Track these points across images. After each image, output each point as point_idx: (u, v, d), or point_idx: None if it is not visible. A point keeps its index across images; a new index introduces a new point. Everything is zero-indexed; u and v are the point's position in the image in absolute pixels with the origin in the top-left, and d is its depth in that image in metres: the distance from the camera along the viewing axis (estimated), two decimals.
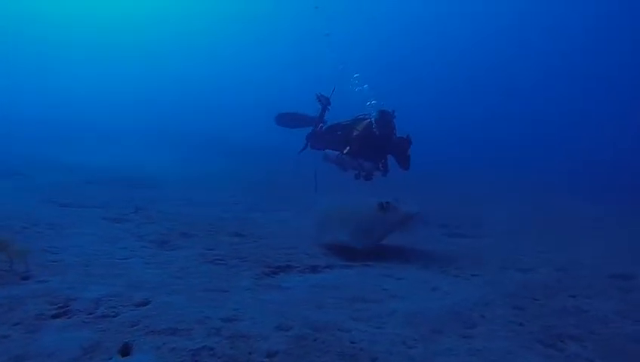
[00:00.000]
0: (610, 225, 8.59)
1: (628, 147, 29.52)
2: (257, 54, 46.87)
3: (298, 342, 2.28)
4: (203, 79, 46.01)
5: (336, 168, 7.97)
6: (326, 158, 7.99)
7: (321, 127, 8.53)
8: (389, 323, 2.70)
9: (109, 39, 45.37)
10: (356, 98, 8.49)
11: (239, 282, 3.33)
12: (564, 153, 27.52)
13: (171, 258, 3.80)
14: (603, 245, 6.00)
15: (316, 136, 8.54)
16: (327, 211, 5.10)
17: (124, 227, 4.78)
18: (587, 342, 2.63)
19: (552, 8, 38.71)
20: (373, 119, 7.62)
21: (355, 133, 7.70)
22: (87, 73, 41.79)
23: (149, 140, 18.74)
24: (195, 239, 4.57)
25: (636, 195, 13.92)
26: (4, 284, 2.71)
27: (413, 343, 2.43)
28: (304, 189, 7.90)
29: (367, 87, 8.43)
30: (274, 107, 9.77)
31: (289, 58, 44.65)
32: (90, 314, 2.38)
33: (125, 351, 2.05)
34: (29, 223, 4.40)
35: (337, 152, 7.78)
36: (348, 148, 7.63)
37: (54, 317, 2.33)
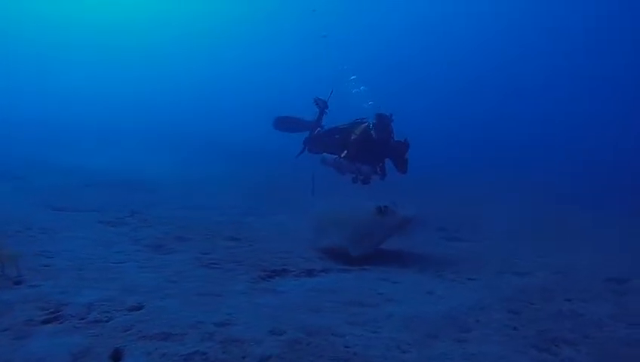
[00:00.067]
0: (608, 228, 8.57)
1: (628, 147, 29.52)
2: (257, 56, 46.89)
3: (291, 346, 2.27)
4: (203, 81, 46.04)
5: (334, 172, 7.97)
6: (324, 162, 7.99)
7: (319, 131, 8.54)
8: (384, 327, 2.69)
9: (108, 40, 45.38)
10: (354, 100, 8.50)
11: (234, 286, 3.32)
12: (565, 154, 27.50)
13: (166, 262, 3.78)
14: (600, 249, 6.00)
15: (314, 140, 8.54)
16: (324, 215, 5.07)
17: (120, 231, 4.76)
18: (581, 346, 2.62)
19: (552, 9, 38.79)
20: (370, 123, 7.62)
21: (352, 137, 7.69)
22: (88, 75, 41.79)
23: (148, 142, 18.73)
24: (191, 243, 4.55)
25: (636, 197, 13.91)
26: None
27: (408, 348, 2.43)
28: (302, 193, 7.88)
29: (365, 89, 8.44)
30: (274, 109, 9.77)
31: (289, 60, 44.72)
32: (82, 319, 2.37)
33: (116, 356, 2.03)
34: (23, 227, 4.38)
35: (335, 156, 7.77)
36: (345, 152, 7.63)
37: (45, 322, 2.31)
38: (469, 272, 4.22)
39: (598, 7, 37.26)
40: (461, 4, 42.13)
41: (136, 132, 21.16)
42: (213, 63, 48.65)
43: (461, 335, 2.65)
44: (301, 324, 2.56)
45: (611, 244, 6.52)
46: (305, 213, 5.76)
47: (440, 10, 43.21)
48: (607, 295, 3.68)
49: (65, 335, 2.18)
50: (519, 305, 3.26)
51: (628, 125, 34.10)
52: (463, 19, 43.07)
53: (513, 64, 42.15)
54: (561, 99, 39.74)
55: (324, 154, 8.04)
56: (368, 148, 7.54)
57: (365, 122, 7.78)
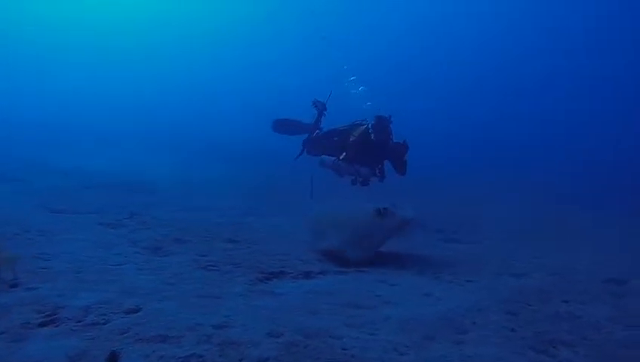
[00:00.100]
0: (607, 228, 8.57)
1: (628, 147, 29.51)
2: (257, 57, 46.87)
3: (289, 348, 2.27)
4: (202, 82, 46.08)
5: (333, 174, 7.96)
6: (322, 164, 7.98)
7: (317, 133, 8.53)
8: (381, 329, 2.69)
9: (108, 41, 45.39)
10: (353, 101, 8.49)
11: (232, 288, 3.32)
12: (565, 154, 27.50)
13: (165, 264, 3.78)
14: (599, 249, 5.99)
15: (312, 142, 8.54)
16: (323, 217, 5.05)
17: (118, 233, 4.76)
18: (579, 347, 2.62)
19: (552, 9, 38.78)
20: (369, 125, 7.61)
21: (351, 139, 7.69)
22: (87, 76, 41.83)
23: (148, 144, 18.74)
24: (189, 245, 4.55)
25: (636, 197, 13.91)
26: None
27: (405, 350, 2.42)
28: (300, 195, 7.88)
29: (364, 89, 8.43)
30: (273, 110, 9.76)
31: (289, 61, 44.74)
32: (79, 321, 2.37)
33: (112, 359, 2.03)
34: (21, 229, 4.38)
35: (334, 158, 7.76)
36: (344, 153, 7.62)
37: (41, 325, 2.31)
38: (467, 274, 4.22)
39: (598, 7, 37.25)
40: (461, 4, 42.13)
41: (135, 133, 21.18)
42: (213, 64, 48.63)
43: (458, 337, 2.65)
44: (298, 326, 2.56)
45: (610, 245, 6.52)
46: (304, 215, 5.75)
47: (440, 10, 43.21)
48: (606, 296, 3.67)
49: (61, 338, 2.18)
50: (517, 307, 3.26)
51: (628, 125, 34.08)
52: (463, 20, 43.06)
53: (513, 64, 42.13)
54: (561, 99, 39.72)
55: (323, 156, 8.03)
56: (367, 150, 7.52)
57: (364, 124, 7.77)
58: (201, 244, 4.63)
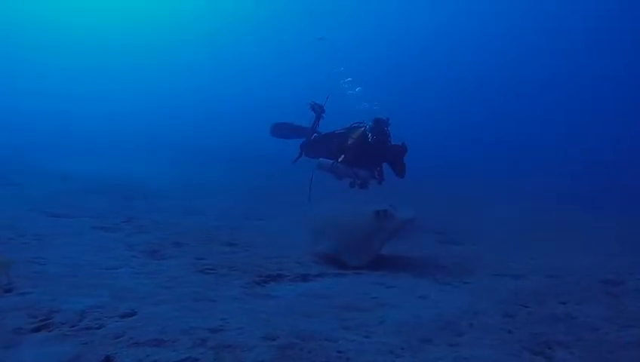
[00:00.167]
0: (606, 229, 8.56)
1: (628, 147, 29.50)
2: (256, 58, 46.96)
3: (284, 351, 2.27)
4: (202, 83, 46.20)
5: (331, 177, 7.95)
6: (320, 167, 7.96)
7: (316, 136, 8.53)
8: (377, 332, 2.68)
9: (107, 43, 45.48)
10: (349, 102, 8.50)
11: (229, 291, 3.31)
12: (565, 154, 27.50)
13: (161, 267, 3.77)
14: (597, 250, 5.98)
15: (311, 145, 8.53)
16: (321, 220, 5.04)
17: (115, 236, 4.75)
18: (574, 348, 2.61)
19: (552, 9, 38.78)
20: (367, 127, 7.61)
21: (349, 142, 7.69)
22: (88, 77, 41.98)
23: (147, 145, 18.77)
24: (186, 248, 4.55)
25: (634, 198, 13.90)
26: None
27: (401, 352, 2.42)
28: (299, 197, 7.87)
29: (360, 90, 8.44)
30: (272, 111, 9.76)
31: (288, 62, 44.83)
32: (73, 326, 2.35)
33: None
34: (16, 234, 4.37)
35: (332, 161, 7.76)
36: (343, 156, 7.61)
37: (34, 330, 2.29)
38: (464, 275, 4.21)
39: (598, 7, 37.26)
40: (461, 4, 42.16)
41: (135, 134, 21.23)
42: (212, 65, 48.75)
43: (455, 339, 2.64)
44: (295, 329, 2.56)
45: (609, 245, 6.51)
46: (302, 218, 5.75)
47: (440, 10, 43.24)
48: (602, 297, 3.66)
49: (55, 343, 2.17)
50: (513, 308, 3.25)
51: (628, 125, 34.07)
52: (462, 20, 43.11)
53: (513, 64, 42.16)
54: (561, 99, 39.74)
55: (321, 159, 8.02)
56: (365, 152, 7.52)
57: (362, 126, 7.77)
58: (199, 247, 4.63)
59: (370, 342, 2.52)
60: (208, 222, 6.23)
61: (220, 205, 7.98)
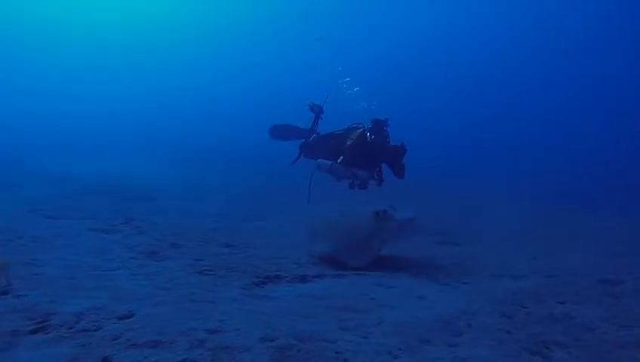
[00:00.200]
0: (606, 229, 8.54)
1: (628, 147, 29.49)
2: (256, 58, 46.95)
3: (282, 352, 2.27)
4: (202, 83, 46.19)
5: (331, 178, 7.93)
6: (319, 168, 7.94)
7: (314, 137, 8.51)
8: (375, 332, 2.68)
9: (107, 44, 45.47)
10: (348, 101, 8.48)
11: (227, 293, 3.30)
12: (565, 154, 27.49)
13: (159, 269, 3.77)
14: (596, 250, 5.96)
15: (309, 146, 8.51)
16: (320, 221, 5.03)
17: (113, 238, 4.75)
18: (573, 348, 2.61)
19: (552, 9, 38.76)
20: (366, 128, 7.59)
21: (348, 143, 7.67)
22: (88, 77, 41.98)
23: (146, 146, 18.76)
24: (185, 250, 4.55)
25: (634, 198, 13.88)
26: None
27: (399, 353, 2.41)
28: (298, 198, 7.87)
29: (358, 90, 8.42)
30: (271, 112, 9.76)
31: (288, 62, 44.82)
32: (70, 328, 2.35)
33: None
34: (14, 236, 4.37)
35: (331, 162, 7.74)
36: (341, 157, 7.60)
37: (32, 332, 2.28)
38: (463, 276, 4.21)
39: (598, 7, 37.24)
40: (461, 5, 42.14)
41: (134, 135, 21.22)
42: (212, 65, 48.75)
43: (453, 340, 2.64)
44: (293, 330, 2.55)
45: (609, 245, 6.49)
46: (300, 219, 5.75)
47: (440, 10, 43.23)
48: (601, 297, 3.65)
49: (52, 345, 2.16)
50: (512, 309, 3.25)
51: (628, 125, 34.06)
52: (462, 20, 43.08)
53: (513, 64, 42.14)
54: (561, 99, 39.73)
55: (320, 160, 7.99)
56: (364, 153, 7.50)
57: (361, 127, 7.75)
58: (197, 249, 4.63)
59: (369, 342, 2.52)
60: (207, 223, 6.22)
61: (219, 206, 7.98)
